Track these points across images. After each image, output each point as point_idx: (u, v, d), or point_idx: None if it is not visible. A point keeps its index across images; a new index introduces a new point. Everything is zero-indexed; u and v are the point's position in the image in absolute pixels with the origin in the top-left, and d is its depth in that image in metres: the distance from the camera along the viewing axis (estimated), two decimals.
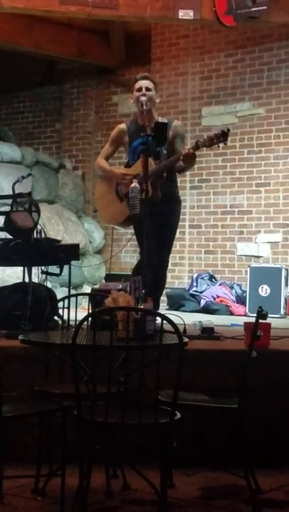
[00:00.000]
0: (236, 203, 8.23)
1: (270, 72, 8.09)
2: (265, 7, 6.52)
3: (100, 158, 5.22)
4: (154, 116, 4.94)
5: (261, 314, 3.33)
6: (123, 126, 5.11)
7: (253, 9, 6.52)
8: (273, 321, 4.10)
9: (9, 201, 5.09)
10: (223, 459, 3.63)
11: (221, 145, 4.71)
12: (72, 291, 5.96)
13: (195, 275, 8.13)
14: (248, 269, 7.62)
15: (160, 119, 4.81)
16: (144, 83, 4.90)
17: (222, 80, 8.41)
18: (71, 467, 3.16)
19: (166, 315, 3.00)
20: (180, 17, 6.57)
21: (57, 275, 4.97)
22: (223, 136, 4.66)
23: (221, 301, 7.65)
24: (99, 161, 5.22)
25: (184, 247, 8.47)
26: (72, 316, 4.04)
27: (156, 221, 4.63)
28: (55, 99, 9.95)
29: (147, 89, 4.89)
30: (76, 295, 4.17)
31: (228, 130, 4.71)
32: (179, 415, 3.07)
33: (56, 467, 3.33)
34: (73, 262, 5.03)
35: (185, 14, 6.56)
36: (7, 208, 5.23)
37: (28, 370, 3.87)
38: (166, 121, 4.75)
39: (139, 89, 4.89)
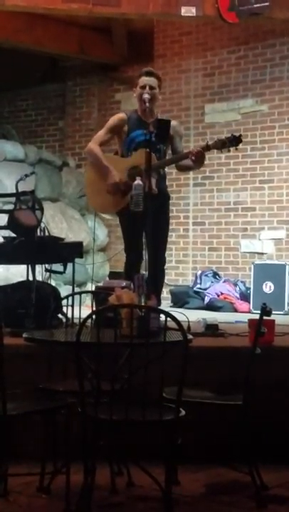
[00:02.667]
0: (240, 200, 8.22)
1: (273, 68, 8.07)
2: (267, 3, 6.51)
3: (94, 145, 5.03)
4: (154, 113, 4.94)
5: (265, 311, 3.33)
6: (123, 115, 5.06)
7: (255, 5, 6.51)
8: (277, 317, 4.10)
9: (13, 199, 5.10)
10: (228, 456, 3.63)
11: (232, 149, 4.74)
12: (76, 289, 5.96)
13: (199, 272, 8.13)
14: (252, 266, 7.61)
15: (159, 117, 4.82)
16: (148, 81, 4.89)
17: (225, 76, 8.39)
18: (76, 464, 3.16)
19: (170, 312, 3.00)
20: (182, 14, 6.56)
21: (61, 273, 4.97)
22: (235, 140, 4.70)
23: (225, 298, 7.65)
24: (93, 147, 5.02)
25: (188, 244, 8.47)
26: (76, 314, 4.04)
27: (148, 218, 4.56)
28: (57, 97, 9.95)
29: (151, 87, 4.88)
30: (80, 293, 4.17)
31: (240, 135, 4.74)
32: (183, 412, 3.07)
33: (61, 464, 3.33)
34: (77, 260, 5.03)
35: (187, 11, 6.55)
36: (11, 206, 5.23)
37: (32, 367, 3.87)
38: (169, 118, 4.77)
39: (143, 87, 4.88)
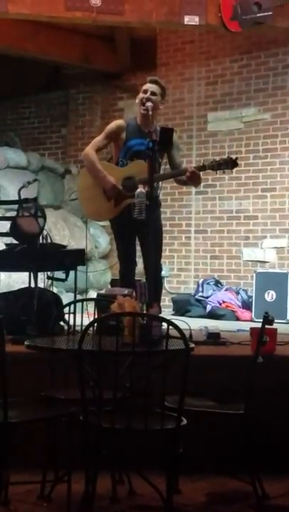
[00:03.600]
0: (242, 208, 8.22)
1: (275, 77, 8.09)
2: (270, 12, 6.52)
3: (91, 150, 5.00)
4: (153, 121, 4.94)
5: (267, 320, 3.32)
6: (122, 122, 5.04)
7: (258, 15, 6.51)
8: (279, 326, 4.09)
9: (15, 206, 5.10)
10: (230, 465, 3.62)
11: (227, 171, 4.77)
12: (78, 297, 5.96)
13: (201, 280, 8.12)
14: (254, 275, 7.61)
15: (158, 126, 4.81)
16: (150, 87, 4.91)
17: (228, 85, 8.41)
18: (77, 473, 3.16)
19: (172, 320, 3.00)
20: (186, 22, 6.57)
21: (63, 280, 4.97)
22: (231, 163, 4.72)
23: (227, 306, 7.64)
24: (90, 152, 4.99)
25: (190, 252, 8.47)
26: (78, 322, 4.03)
27: (141, 226, 4.49)
28: (60, 105, 9.97)
29: (152, 93, 4.89)
30: (82, 300, 4.17)
31: (237, 158, 4.79)
32: (185, 421, 3.07)
33: (62, 473, 3.32)
34: (79, 267, 5.03)
35: (191, 20, 6.56)
36: (13, 213, 5.24)
37: (34, 375, 3.87)
38: (156, 127, 4.78)
39: (145, 91, 4.90)
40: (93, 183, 4.99)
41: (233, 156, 4.83)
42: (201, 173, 4.88)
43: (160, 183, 4.91)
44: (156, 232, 4.94)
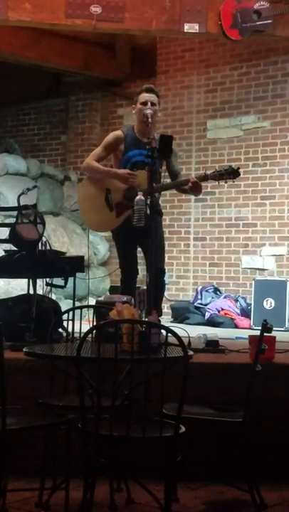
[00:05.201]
0: (241, 216, 8.23)
1: (275, 85, 8.11)
2: (270, 21, 6.54)
3: (91, 160, 5.04)
4: (153, 129, 4.95)
5: (266, 327, 3.32)
6: (120, 133, 5.04)
7: (258, 23, 6.54)
8: (278, 334, 4.09)
9: (14, 213, 5.10)
10: (228, 473, 3.61)
11: (229, 181, 4.78)
12: (77, 304, 5.96)
13: (199, 288, 8.12)
14: (253, 282, 7.61)
15: (155, 134, 4.82)
16: (149, 97, 4.91)
17: (227, 93, 8.43)
18: (75, 480, 3.15)
19: (171, 328, 3.00)
20: (185, 30, 6.58)
21: (61, 287, 4.97)
22: (233, 173, 4.73)
23: (226, 313, 7.63)
24: (90, 162, 5.03)
25: (189, 259, 8.47)
26: (76, 329, 4.03)
27: (143, 234, 4.48)
28: (60, 112, 9.99)
29: (152, 103, 4.90)
30: (81, 307, 4.16)
31: (238, 168, 4.80)
32: (183, 429, 3.06)
33: (60, 480, 3.31)
34: (78, 274, 5.03)
35: (190, 28, 6.58)
36: (12, 220, 5.23)
37: (33, 382, 3.87)
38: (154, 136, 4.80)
39: (144, 103, 4.89)
40: (94, 193, 5.01)
41: (235, 166, 4.83)
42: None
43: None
44: (159, 237, 4.96)
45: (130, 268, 5.06)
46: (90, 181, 5.13)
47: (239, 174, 4.79)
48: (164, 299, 5.48)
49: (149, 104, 4.87)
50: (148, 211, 4.26)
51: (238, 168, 4.80)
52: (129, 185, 4.84)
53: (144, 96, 4.91)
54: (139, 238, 4.71)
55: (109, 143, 5.05)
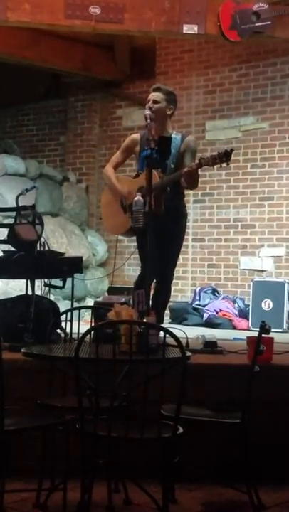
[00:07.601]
0: (240, 217, 8.24)
1: (274, 86, 8.12)
2: (269, 22, 6.55)
3: (109, 167, 5.17)
4: (166, 128, 4.95)
5: (264, 328, 3.32)
6: (136, 136, 5.10)
7: (257, 24, 6.55)
8: (276, 335, 4.09)
9: (13, 214, 5.10)
10: (226, 474, 3.61)
11: (224, 164, 4.72)
12: (75, 304, 5.96)
13: (198, 289, 8.12)
14: (251, 283, 7.61)
15: (174, 133, 4.83)
16: (151, 96, 4.92)
17: (226, 94, 8.44)
18: (73, 481, 3.15)
19: (169, 329, 3.00)
20: (185, 31, 6.59)
21: (60, 288, 4.96)
22: (226, 156, 4.68)
23: (224, 315, 7.64)
24: (108, 169, 5.17)
25: (187, 260, 8.47)
26: (74, 329, 4.03)
27: (159, 235, 4.61)
28: (59, 113, 9.99)
29: (154, 101, 4.89)
30: (79, 308, 4.16)
31: (232, 150, 4.71)
32: (181, 430, 3.06)
33: (58, 481, 3.31)
34: (76, 275, 5.03)
35: (189, 29, 6.59)
36: (11, 221, 5.23)
37: (31, 383, 3.86)
38: (170, 135, 4.80)
39: (148, 101, 4.91)
40: (112, 199, 5.14)
41: (228, 148, 4.78)
42: (199, 181, 4.87)
43: (178, 190, 4.90)
44: (176, 241, 4.97)
45: (150, 265, 5.04)
46: (108, 188, 5.26)
47: (231, 157, 4.71)
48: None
49: (150, 102, 4.88)
50: (146, 210, 4.25)
51: (232, 150, 4.72)
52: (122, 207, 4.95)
53: (150, 95, 4.93)
54: (158, 236, 4.69)
55: (125, 146, 5.16)
